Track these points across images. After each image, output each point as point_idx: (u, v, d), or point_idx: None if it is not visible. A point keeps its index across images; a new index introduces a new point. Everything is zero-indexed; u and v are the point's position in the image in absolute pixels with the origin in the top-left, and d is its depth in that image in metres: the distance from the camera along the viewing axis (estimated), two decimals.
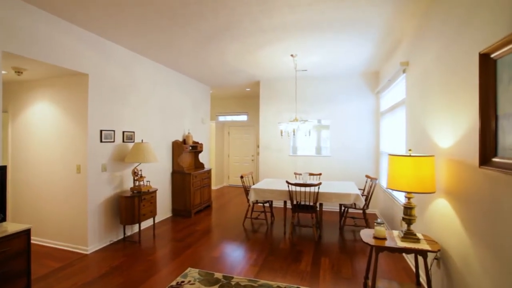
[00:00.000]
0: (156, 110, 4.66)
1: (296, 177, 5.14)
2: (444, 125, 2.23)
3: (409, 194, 2.30)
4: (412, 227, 2.32)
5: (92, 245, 3.40)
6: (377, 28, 3.21)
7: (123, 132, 3.89)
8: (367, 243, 2.29)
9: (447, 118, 2.19)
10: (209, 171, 5.74)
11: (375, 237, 2.37)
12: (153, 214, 4.00)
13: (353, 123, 5.47)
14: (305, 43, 3.74)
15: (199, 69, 5.11)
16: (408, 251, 2.18)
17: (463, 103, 1.88)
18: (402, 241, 2.26)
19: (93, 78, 3.40)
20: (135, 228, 4.10)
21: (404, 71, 3.38)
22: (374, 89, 5.32)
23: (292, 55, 4.24)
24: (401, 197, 3.67)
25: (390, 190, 4.17)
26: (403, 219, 2.34)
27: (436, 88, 2.40)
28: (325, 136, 6.55)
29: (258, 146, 8.28)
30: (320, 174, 5.01)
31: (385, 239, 2.34)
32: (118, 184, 3.82)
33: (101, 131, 3.51)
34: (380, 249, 2.25)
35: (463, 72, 1.89)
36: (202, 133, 6.37)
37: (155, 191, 4.01)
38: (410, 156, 2.20)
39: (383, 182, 4.66)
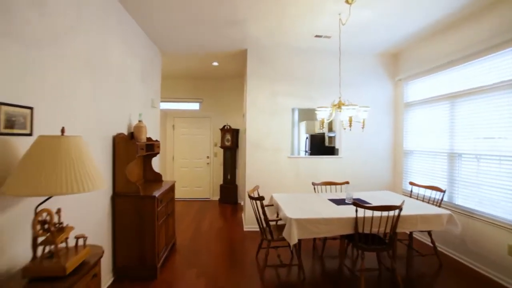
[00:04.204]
0: (82, 66, 2.13)
1: (315, 189, 3.58)
2: None
3: None
4: None
5: None
6: None
7: None
8: None
9: None
10: (172, 187, 3.44)
11: None
12: None
13: (368, 116, 4.35)
14: None
15: (166, 4, 2.80)
16: None
17: None
18: None
19: None
20: None
21: None
22: (392, 75, 4.35)
23: (347, 1, 2.66)
24: (494, 212, 2.69)
25: (464, 203, 3.16)
26: None
27: None
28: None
29: (216, 145, 6.24)
30: (347, 183, 3.62)
31: None
32: None
33: None
34: None
35: None
36: (152, 122, 3.91)
37: (99, 258, 1.62)
38: None
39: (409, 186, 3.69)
